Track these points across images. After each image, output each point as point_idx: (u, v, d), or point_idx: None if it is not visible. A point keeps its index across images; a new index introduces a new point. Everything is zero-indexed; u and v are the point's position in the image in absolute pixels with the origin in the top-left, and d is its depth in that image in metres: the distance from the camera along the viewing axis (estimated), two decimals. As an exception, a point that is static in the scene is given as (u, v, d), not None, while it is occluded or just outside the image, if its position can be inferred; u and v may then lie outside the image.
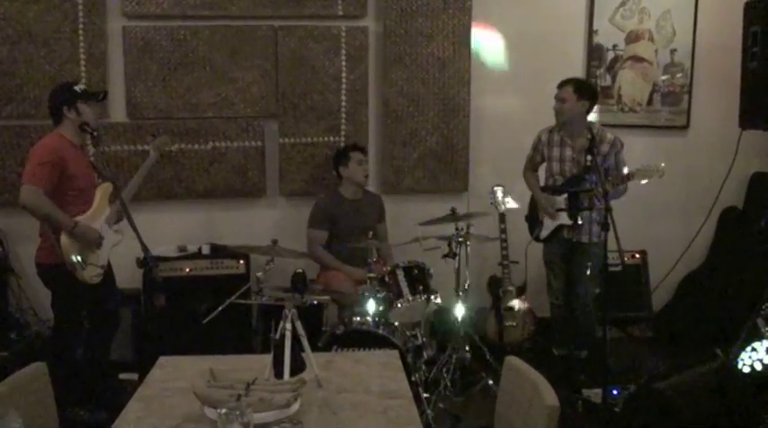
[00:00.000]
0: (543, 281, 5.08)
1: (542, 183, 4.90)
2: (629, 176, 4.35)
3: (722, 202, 5.84)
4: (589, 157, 4.36)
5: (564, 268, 4.79)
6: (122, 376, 4.72)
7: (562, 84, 4.63)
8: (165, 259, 5.00)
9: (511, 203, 5.21)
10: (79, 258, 3.79)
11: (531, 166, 4.95)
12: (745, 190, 5.92)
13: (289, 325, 2.64)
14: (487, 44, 5.59)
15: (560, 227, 4.67)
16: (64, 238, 3.73)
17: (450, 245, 4.58)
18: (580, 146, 4.54)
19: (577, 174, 4.55)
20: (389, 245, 5.11)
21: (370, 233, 4.63)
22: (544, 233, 4.77)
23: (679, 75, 5.82)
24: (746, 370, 4.19)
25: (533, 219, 4.88)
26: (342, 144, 5.42)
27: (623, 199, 4.59)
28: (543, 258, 4.94)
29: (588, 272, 4.65)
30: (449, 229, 4.65)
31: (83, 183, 3.95)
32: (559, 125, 4.69)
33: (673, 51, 5.78)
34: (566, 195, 4.59)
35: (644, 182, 4.32)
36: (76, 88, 3.94)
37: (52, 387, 2.56)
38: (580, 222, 4.56)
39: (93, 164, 4.11)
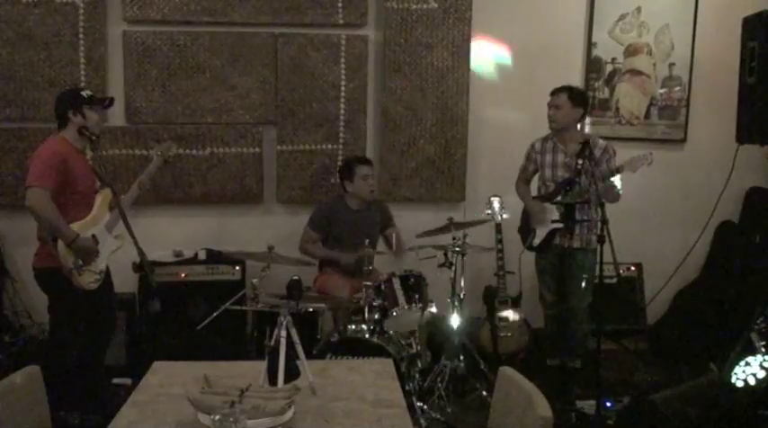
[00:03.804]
0: (537, 292, 5.07)
1: (534, 193, 4.90)
2: (619, 169, 4.33)
3: (718, 216, 5.84)
4: (580, 161, 4.38)
5: (556, 278, 4.79)
6: (116, 380, 4.70)
7: (556, 92, 4.66)
8: (161, 264, 5.00)
9: (504, 214, 5.20)
10: (76, 264, 3.79)
11: (524, 178, 4.95)
12: (741, 204, 5.93)
13: (283, 332, 2.64)
14: (487, 55, 5.62)
15: (553, 233, 4.66)
16: (61, 244, 3.72)
17: (446, 254, 4.59)
18: (572, 151, 4.55)
19: (568, 178, 4.56)
20: (402, 245, 5.00)
21: (367, 241, 4.64)
22: (536, 240, 4.76)
23: (677, 89, 5.84)
24: (740, 384, 4.19)
25: (526, 229, 4.88)
26: (340, 152, 5.43)
27: (619, 210, 4.58)
28: (535, 268, 4.93)
29: (581, 282, 4.65)
30: (445, 239, 4.65)
31: (84, 188, 3.95)
32: (554, 132, 4.70)
33: (671, 65, 5.80)
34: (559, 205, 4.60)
35: (636, 171, 4.25)
36: (83, 93, 3.94)
37: (45, 391, 2.55)
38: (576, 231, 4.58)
39: (94, 169, 4.10)
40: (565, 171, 4.63)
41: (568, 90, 4.63)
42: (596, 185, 4.10)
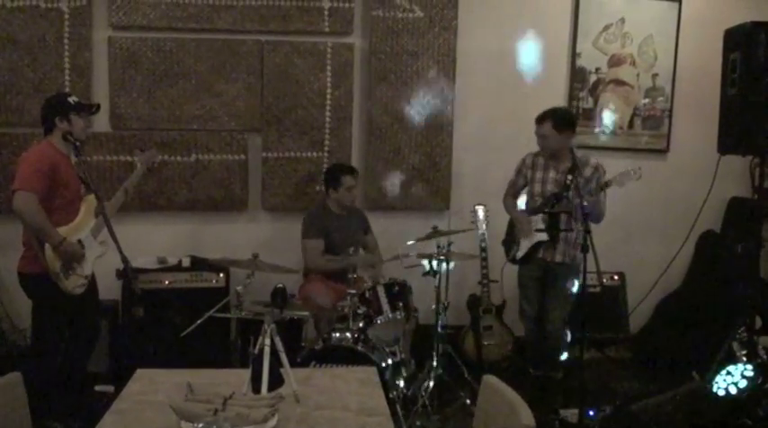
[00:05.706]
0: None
1: (522, 207, 4.89)
2: (608, 183, 4.33)
3: (700, 226, 5.88)
4: (569, 177, 4.39)
5: (537, 290, 4.76)
6: (98, 388, 4.66)
7: (540, 121, 4.57)
8: (145, 271, 4.98)
9: (484, 225, 5.22)
10: (63, 268, 3.77)
11: (513, 192, 4.89)
12: (723, 214, 5.99)
13: (267, 340, 2.63)
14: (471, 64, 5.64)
15: (537, 246, 4.65)
16: (48, 248, 3.71)
17: (430, 263, 4.59)
18: (564, 168, 4.55)
19: (557, 192, 4.56)
20: (381, 254, 5.14)
21: (351, 249, 4.65)
22: (520, 253, 4.75)
23: (660, 100, 5.89)
24: (721, 393, 4.22)
25: (510, 241, 4.87)
26: (325, 160, 5.44)
27: (602, 221, 4.61)
28: (518, 280, 4.91)
29: (561, 296, 4.65)
30: (430, 247, 4.66)
31: (71, 193, 3.94)
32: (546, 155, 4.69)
33: (654, 76, 5.85)
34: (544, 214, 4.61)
35: (623, 186, 4.24)
36: (70, 100, 3.95)
37: (27, 399, 2.53)
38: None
39: (80, 175, 4.09)
40: (554, 187, 4.61)
41: (551, 118, 4.53)
42: (581, 201, 4.09)
